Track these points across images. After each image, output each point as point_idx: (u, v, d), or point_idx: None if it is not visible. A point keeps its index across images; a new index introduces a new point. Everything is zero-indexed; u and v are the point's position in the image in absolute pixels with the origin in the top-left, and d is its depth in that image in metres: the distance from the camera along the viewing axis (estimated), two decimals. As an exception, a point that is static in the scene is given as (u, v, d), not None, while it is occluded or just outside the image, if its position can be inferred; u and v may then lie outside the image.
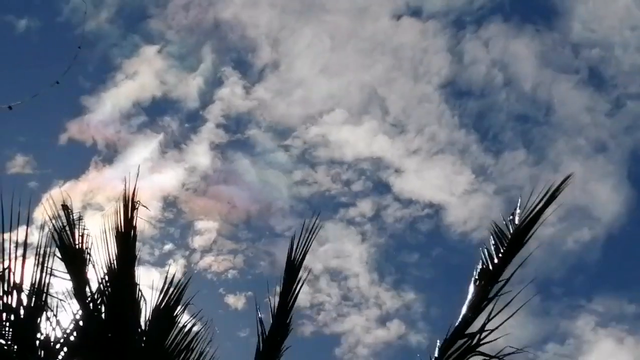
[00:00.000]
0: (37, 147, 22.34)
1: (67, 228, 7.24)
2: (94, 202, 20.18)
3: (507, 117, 23.04)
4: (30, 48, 22.65)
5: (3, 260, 6.88)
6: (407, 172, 22.74)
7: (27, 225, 6.86)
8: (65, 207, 7.20)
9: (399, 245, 23.00)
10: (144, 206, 7.58)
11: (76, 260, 7.28)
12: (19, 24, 21.92)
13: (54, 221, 7.31)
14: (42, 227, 7.22)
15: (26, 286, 6.98)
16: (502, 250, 7.84)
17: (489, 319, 7.60)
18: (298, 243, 7.84)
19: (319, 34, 23.53)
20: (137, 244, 7.49)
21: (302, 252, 7.90)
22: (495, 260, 7.82)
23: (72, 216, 7.30)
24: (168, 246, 22.07)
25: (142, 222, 7.64)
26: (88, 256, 7.39)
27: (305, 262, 7.98)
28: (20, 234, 6.90)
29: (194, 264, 21.86)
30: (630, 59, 22.57)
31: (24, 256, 6.94)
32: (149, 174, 22.45)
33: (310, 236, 7.83)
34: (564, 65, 23.05)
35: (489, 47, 22.98)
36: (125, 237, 7.39)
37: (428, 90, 23.10)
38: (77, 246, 7.31)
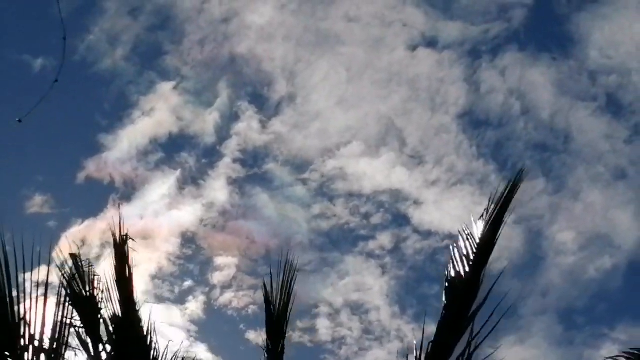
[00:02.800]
0: (56, 186, 22.41)
1: (76, 276, 7.18)
2: (112, 240, 20.16)
3: (526, 146, 22.90)
4: (46, 87, 22.72)
5: (24, 300, 6.81)
6: (426, 204, 22.57)
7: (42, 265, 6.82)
8: (73, 256, 7.12)
9: (420, 278, 22.80)
10: (132, 239, 7.41)
11: (87, 308, 7.22)
12: (35, 63, 22.04)
13: (64, 269, 7.26)
14: (61, 267, 7.18)
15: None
16: (470, 260, 7.67)
17: (472, 337, 7.33)
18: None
19: (334, 66, 23.54)
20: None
21: None
22: (463, 272, 7.64)
23: (81, 264, 7.23)
24: (188, 283, 22.02)
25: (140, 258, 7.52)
26: (99, 302, 7.33)
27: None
28: (39, 274, 6.87)
29: (214, 300, 21.78)
30: (648, 85, 22.41)
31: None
32: (167, 211, 22.49)
33: None
34: (582, 92, 22.90)
35: (505, 77, 22.88)
36: (122, 277, 7.30)
37: (445, 120, 23.01)
38: (87, 294, 7.25)
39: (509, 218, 7.64)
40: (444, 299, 7.60)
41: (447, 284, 7.65)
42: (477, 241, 7.65)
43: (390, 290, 22.25)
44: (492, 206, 7.61)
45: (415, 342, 7.46)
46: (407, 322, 21.76)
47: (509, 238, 22.30)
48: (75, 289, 7.19)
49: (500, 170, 22.64)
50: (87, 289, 7.29)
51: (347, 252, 22.78)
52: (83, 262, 7.25)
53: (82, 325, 7.23)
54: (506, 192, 7.64)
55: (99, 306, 7.34)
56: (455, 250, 7.77)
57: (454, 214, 22.56)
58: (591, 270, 22.09)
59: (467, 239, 7.75)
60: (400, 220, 22.79)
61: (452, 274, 7.67)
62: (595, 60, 22.53)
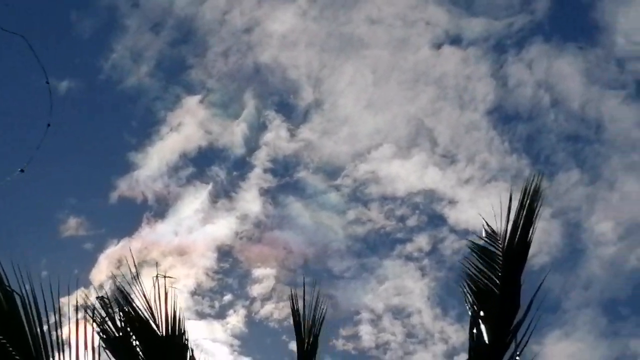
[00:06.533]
0: (89, 208, 22.52)
1: (107, 319, 7.10)
2: (149, 258, 20.27)
3: (558, 138, 22.64)
4: (73, 109, 22.87)
5: (62, 325, 6.79)
6: (461, 202, 22.42)
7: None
8: (101, 299, 7.06)
9: (460, 278, 22.56)
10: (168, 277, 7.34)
11: (121, 349, 7.16)
12: (60, 85, 22.14)
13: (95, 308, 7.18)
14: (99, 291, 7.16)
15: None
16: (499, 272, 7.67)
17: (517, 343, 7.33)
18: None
19: (360, 69, 23.45)
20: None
21: None
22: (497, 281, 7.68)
23: (110, 304, 7.14)
24: (227, 297, 21.99)
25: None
26: (133, 342, 7.26)
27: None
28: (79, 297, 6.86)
29: (254, 313, 21.73)
30: (678, 69, 22.05)
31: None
32: (201, 226, 22.50)
33: None
34: (611, 80, 22.59)
35: (532, 69, 22.66)
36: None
37: (475, 117, 22.83)
38: (120, 334, 7.17)
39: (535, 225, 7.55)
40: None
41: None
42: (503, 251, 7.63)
43: (431, 292, 22.12)
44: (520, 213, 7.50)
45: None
46: (450, 323, 21.60)
47: (547, 232, 22.11)
48: (109, 332, 7.11)
49: (533, 163, 22.47)
50: (120, 327, 7.19)
51: (385, 257, 22.71)
52: (111, 303, 7.14)
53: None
54: (527, 200, 7.52)
55: (133, 345, 7.26)
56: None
57: (490, 211, 22.21)
58: (632, 259, 21.85)
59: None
60: (437, 220, 22.69)
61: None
62: (622, 47, 22.28)
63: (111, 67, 22.72)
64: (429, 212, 22.70)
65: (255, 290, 21.96)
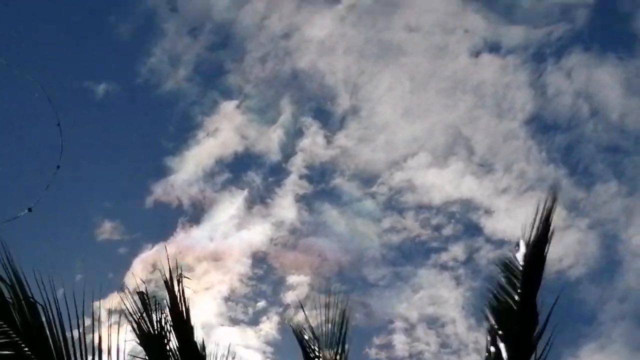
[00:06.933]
0: (124, 212, 22.57)
1: (144, 315, 7.09)
2: (183, 263, 20.20)
3: (596, 149, 22.34)
4: (110, 112, 22.98)
5: (99, 328, 6.86)
6: (497, 212, 22.21)
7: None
8: (140, 294, 7.05)
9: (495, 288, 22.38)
10: (186, 277, 7.31)
11: (154, 346, 7.14)
12: (98, 89, 22.26)
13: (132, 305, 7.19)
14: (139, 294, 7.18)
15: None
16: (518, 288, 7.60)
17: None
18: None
19: (398, 76, 23.33)
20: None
21: None
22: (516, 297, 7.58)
23: (148, 301, 7.14)
24: (261, 303, 21.89)
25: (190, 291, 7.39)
26: (165, 340, 7.24)
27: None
28: (112, 301, 6.92)
29: (287, 320, 21.57)
30: None
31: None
32: (236, 231, 22.46)
33: None
34: (650, 91, 22.30)
35: (571, 78, 22.41)
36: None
37: (513, 126, 22.61)
38: (155, 332, 7.14)
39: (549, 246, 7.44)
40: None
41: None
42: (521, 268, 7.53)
43: (466, 302, 21.90)
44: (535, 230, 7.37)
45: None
46: (484, 333, 21.30)
47: (584, 244, 21.83)
48: (144, 327, 7.10)
49: (571, 174, 22.19)
50: (155, 327, 7.18)
51: (420, 265, 22.52)
52: (150, 300, 7.16)
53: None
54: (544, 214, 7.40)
55: (167, 344, 7.23)
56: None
57: (527, 222, 21.94)
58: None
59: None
60: (472, 230, 22.47)
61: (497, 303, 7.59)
62: (662, 57, 21.97)
63: (149, 71, 22.83)
64: (465, 221, 22.52)
65: (289, 297, 21.86)
